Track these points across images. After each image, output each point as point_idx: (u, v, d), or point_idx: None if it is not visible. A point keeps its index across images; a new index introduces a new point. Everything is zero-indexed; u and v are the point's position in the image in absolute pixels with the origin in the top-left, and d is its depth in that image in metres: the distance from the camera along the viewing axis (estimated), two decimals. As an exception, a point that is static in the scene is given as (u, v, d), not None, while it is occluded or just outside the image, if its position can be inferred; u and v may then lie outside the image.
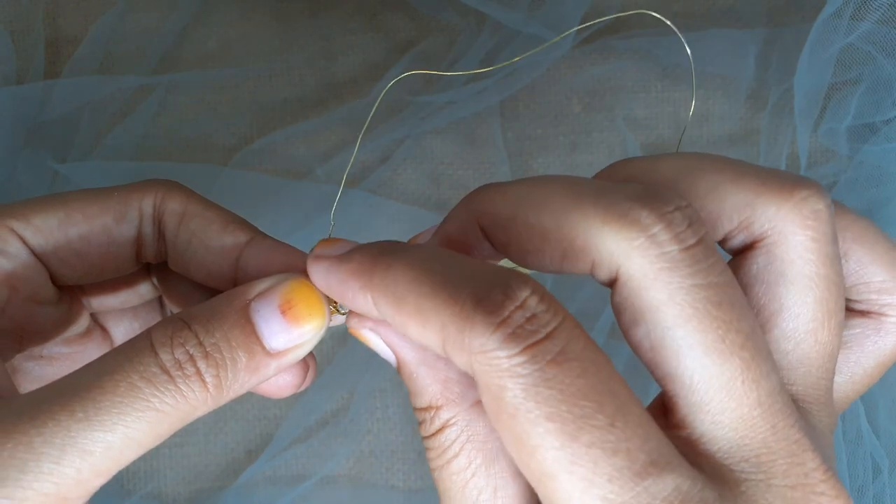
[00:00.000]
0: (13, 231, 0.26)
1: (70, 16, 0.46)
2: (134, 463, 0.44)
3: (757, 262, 0.21)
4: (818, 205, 0.21)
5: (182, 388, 0.22)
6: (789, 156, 0.45)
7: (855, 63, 0.44)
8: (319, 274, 0.23)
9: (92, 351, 0.31)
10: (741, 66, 0.45)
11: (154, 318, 0.32)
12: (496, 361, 0.18)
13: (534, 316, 0.18)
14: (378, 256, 0.21)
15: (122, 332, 0.32)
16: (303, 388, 0.27)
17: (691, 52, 0.45)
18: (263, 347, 0.23)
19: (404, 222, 0.46)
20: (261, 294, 0.23)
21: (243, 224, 0.27)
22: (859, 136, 0.45)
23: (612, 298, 0.20)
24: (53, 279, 0.28)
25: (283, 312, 0.23)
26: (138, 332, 0.31)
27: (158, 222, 0.27)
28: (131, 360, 0.22)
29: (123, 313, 0.32)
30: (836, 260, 0.21)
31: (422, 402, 0.23)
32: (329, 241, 0.24)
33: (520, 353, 0.18)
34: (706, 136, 0.46)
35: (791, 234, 0.21)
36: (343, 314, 0.24)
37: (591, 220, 0.19)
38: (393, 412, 0.46)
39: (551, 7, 0.44)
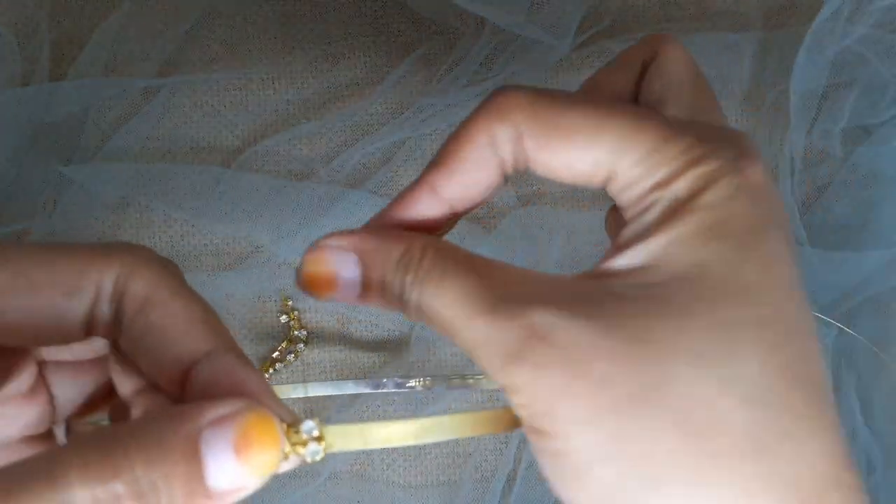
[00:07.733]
0: None
1: (75, 18, 0.47)
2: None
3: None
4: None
5: None
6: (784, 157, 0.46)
7: (850, 65, 0.45)
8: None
9: (30, 415, 0.26)
10: (737, 67, 0.46)
11: (101, 379, 0.27)
12: None
13: None
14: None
15: (65, 394, 0.27)
16: None
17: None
18: (205, 487, 0.19)
19: (405, 223, 0.46)
20: (216, 423, 0.19)
21: (209, 327, 0.23)
22: (854, 138, 0.46)
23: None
24: None
25: (237, 451, 0.19)
26: (83, 397, 0.27)
27: (117, 303, 0.23)
28: (33, 491, 0.18)
29: (67, 371, 0.27)
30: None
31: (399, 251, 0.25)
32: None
33: None
34: (703, 137, 0.47)
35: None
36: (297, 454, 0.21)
37: None
38: (395, 409, 0.46)
39: (550, 10, 0.45)
